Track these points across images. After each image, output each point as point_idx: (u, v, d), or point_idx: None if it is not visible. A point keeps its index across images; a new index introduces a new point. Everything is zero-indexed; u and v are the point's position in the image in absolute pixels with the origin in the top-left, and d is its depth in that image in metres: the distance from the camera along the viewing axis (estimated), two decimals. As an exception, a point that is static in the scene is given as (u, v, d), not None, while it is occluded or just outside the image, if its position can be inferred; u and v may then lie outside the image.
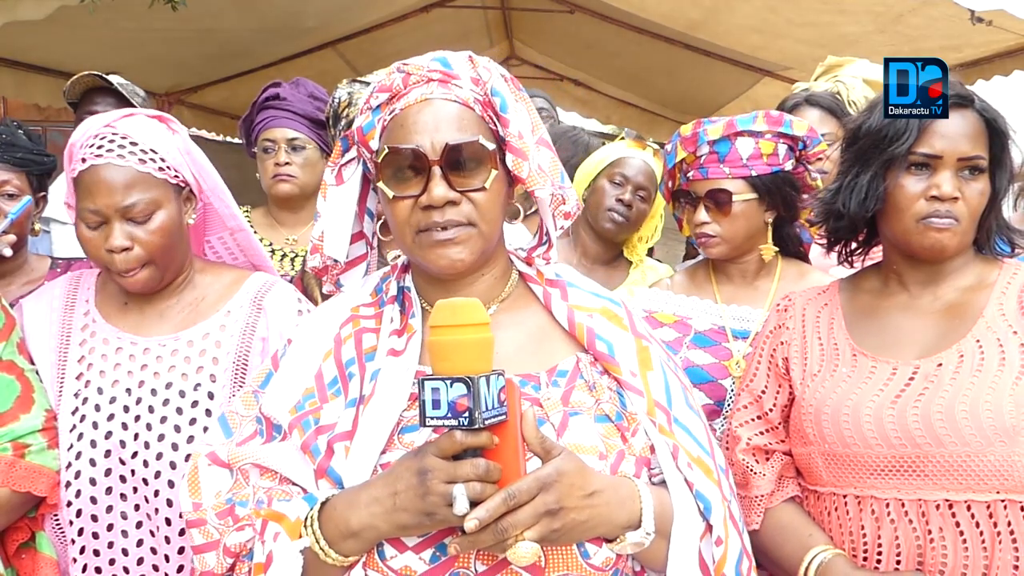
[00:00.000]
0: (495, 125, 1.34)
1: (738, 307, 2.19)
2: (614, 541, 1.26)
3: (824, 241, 1.78)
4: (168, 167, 1.77)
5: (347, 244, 1.44)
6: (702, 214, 2.11)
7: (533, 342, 1.39)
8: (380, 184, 1.32)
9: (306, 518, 1.25)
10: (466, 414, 1.12)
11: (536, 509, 1.15)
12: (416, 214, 1.29)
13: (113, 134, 1.74)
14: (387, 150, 1.30)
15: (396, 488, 1.18)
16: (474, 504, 1.13)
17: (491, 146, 1.30)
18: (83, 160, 1.73)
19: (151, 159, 1.75)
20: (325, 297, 2.24)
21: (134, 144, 1.74)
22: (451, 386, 1.12)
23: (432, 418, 1.14)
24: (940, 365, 1.54)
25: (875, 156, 1.60)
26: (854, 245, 1.76)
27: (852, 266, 1.80)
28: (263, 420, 1.38)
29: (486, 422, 1.13)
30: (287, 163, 2.87)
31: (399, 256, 2.11)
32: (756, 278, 2.21)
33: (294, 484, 1.31)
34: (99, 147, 1.73)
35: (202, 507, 1.35)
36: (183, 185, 1.83)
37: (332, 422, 1.30)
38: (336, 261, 1.46)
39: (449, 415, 1.12)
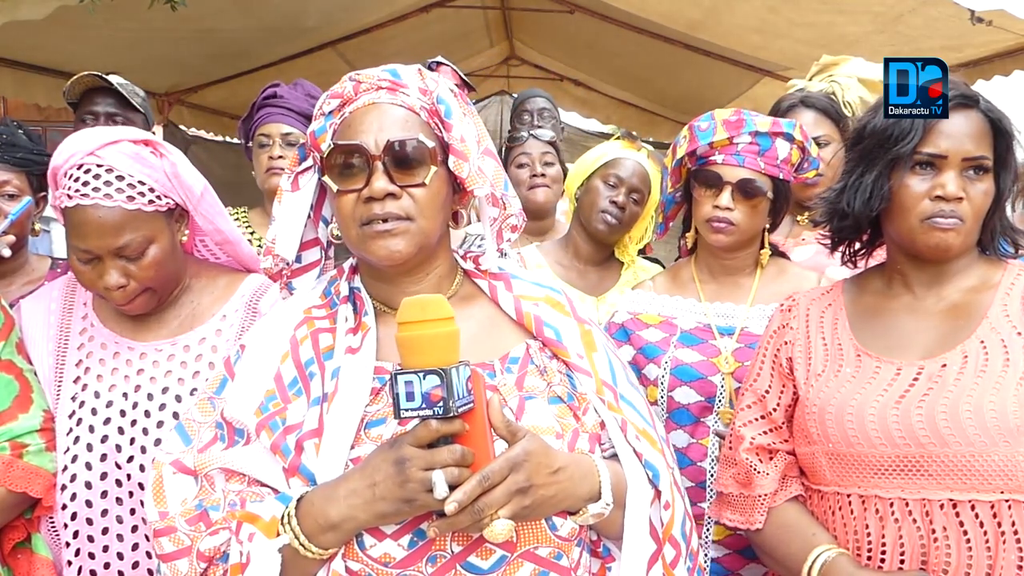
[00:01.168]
0: (440, 131, 1.41)
1: (721, 304, 2.20)
2: (577, 513, 1.33)
3: (827, 241, 1.79)
4: (157, 196, 1.72)
5: (296, 247, 1.50)
6: (727, 198, 2.11)
7: (484, 332, 1.46)
8: (326, 178, 1.39)
9: (283, 516, 1.28)
10: (440, 404, 1.18)
11: (508, 488, 1.22)
12: (359, 207, 1.36)
13: (98, 166, 1.67)
14: (333, 146, 1.37)
15: (374, 479, 1.23)
16: (451, 488, 1.19)
17: (430, 143, 1.37)
18: (68, 196, 1.67)
19: (139, 193, 1.69)
20: None
21: (120, 178, 1.68)
22: (424, 378, 1.18)
23: (407, 410, 1.19)
24: (944, 366, 1.54)
25: (880, 156, 1.60)
26: (858, 245, 1.76)
27: (856, 267, 1.80)
28: (224, 425, 1.41)
29: (459, 410, 1.19)
30: (280, 156, 2.89)
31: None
32: (739, 275, 2.22)
33: (264, 485, 1.35)
34: (84, 183, 1.66)
35: (169, 515, 1.37)
36: (174, 207, 1.79)
37: (299, 421, 1.34)
38: (287, 264, 1.51)
39: (423, 406, 1.18)
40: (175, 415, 1.76)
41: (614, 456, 1.42)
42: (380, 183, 1.33)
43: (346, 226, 1.39)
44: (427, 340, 1.19)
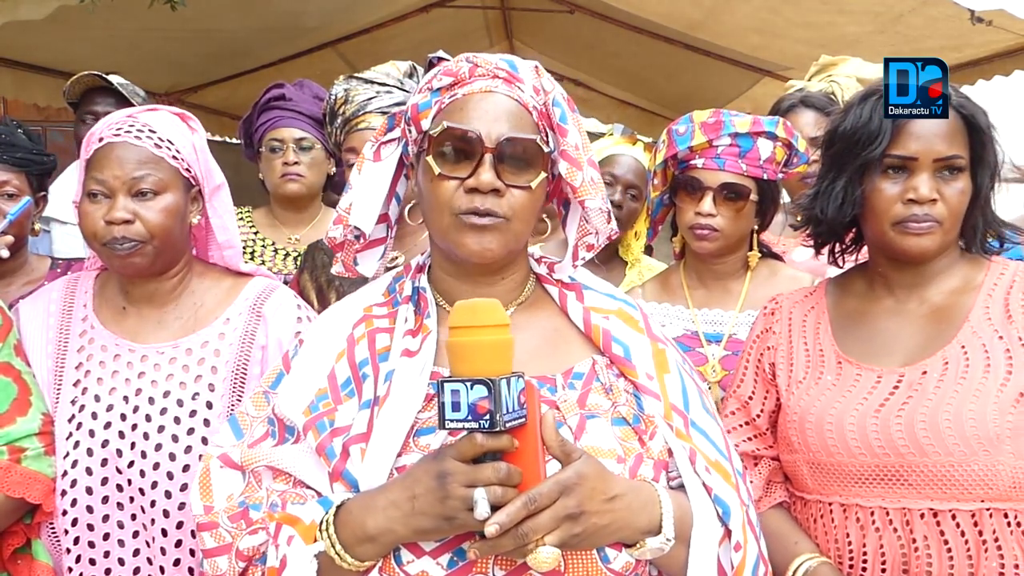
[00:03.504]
0: (547, 134, 1.35)
1: (709, 311, 2.17)
2: (633, 546, 1.24)
3: (812, 243, 1.76)
4: (182, 158, 1.80)
5: (375, 217, 1.42)
6: (708, 204, 2.08)
7: (549, 344, 1.39)
8: (429, 159, 1.31)
9: (322, 522, 1.23)
10: (487, 416, 1.09)
11: (557, 513, 1.14)
12: (459, 196, 1.29)
13: (134, 121, 1.79)
14: (445, 127, 1.30)
15: (415, 492, 1.17)
16: (494, 508, 1.11)
17: (547, 148, 1.31)
18: (100, 140, 1.77)
19: (167, 146, 1.78)
20: (329, 282, 2.25)
21: (152, 132, 1.78)
22: (471, 388, 1.10)
23: (452, 420, 1.11)
24: (924, 373, 1.52)
25: (849, 160, 1.57)
26: (844, 245, 1.74)
27: (841, 266, 1.78)
28: (275, 421, 1.37)
29: (507, 425, 1.11)
30: (296, 162, 2.88)
31: (398, 257, 2.10)
32: (728, 280, 2.19)
33: (308, 487, 1.30)
34: (118, 128, 1.77)
35: (214, 510, 1.33)
36: (193, 182, 1.84)
37: (347, 424, 1.29)
38: (359, 234, 1.44)
39: (469, 418, 1.10)
40: (176, 419, 1.74)
41: (681, 487, 1.31)
42: (487, 176, 1.27)
43: (438, 212, 1.31)
44: (477, 347, 1.12)
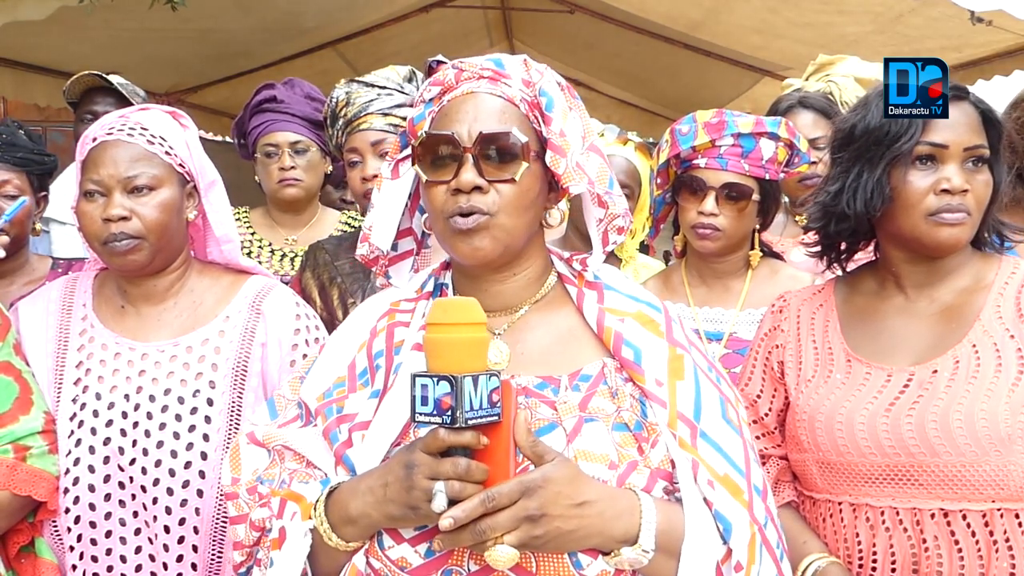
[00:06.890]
0: (539, 125, 1.35)
1: (710, 309, 2.18)
2: (610, 554, 1.23)
3: (815, 249, 1.75)
4: (175, 155, 1.82)
5: (393, 235, 1.46)
6: (711, 204, 2.08)
7: (560, 344, 1.38)
8: (416, 167, 1.36)
9: (316, 501, 1.29)
10: (448, 412, 1.12)
11: (516, 514, 1.15)
12: (448, 200, 1.31)
13: (126, 120, 1.82)
14: (425, 135, 1.34)
15: (387, 479, 1.22)
16: (456, 503, 1.14)
17: (523, 138, 1.31)
18: (94, 140, 1.79)
19: (159, 143, 1.80)
20: (331, 280, 2.26)
21: (145, 129, 1.80)
22: (437, 383, 1.13)
23: (420, 414, 1.15)
24: (935, 372, 1.52)
25: (877, 154, 1.57)
26: (842, 246, 1.72)
27: (835, 272, 1.76)
28: (302, 405, 1.43)
29: (469, 422, 1.13)
30: (292, 167, 2.87)
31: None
32: (729, 278, 2.20)
33: (318, 468, 1.36)
34: (111, 128, 1.80)
35: (239, 482, 1.40)
36: (187, 178, 1.86)
37: (354, 411, 1.33)
38: (383, 252, 1.48)
39: (434, 412, 1.13)
40: (177, 417, 1.75)
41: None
42: (468, 175, 1.28)
43: (434, 218, 1.34)
44: (445, 344, 1.14)
